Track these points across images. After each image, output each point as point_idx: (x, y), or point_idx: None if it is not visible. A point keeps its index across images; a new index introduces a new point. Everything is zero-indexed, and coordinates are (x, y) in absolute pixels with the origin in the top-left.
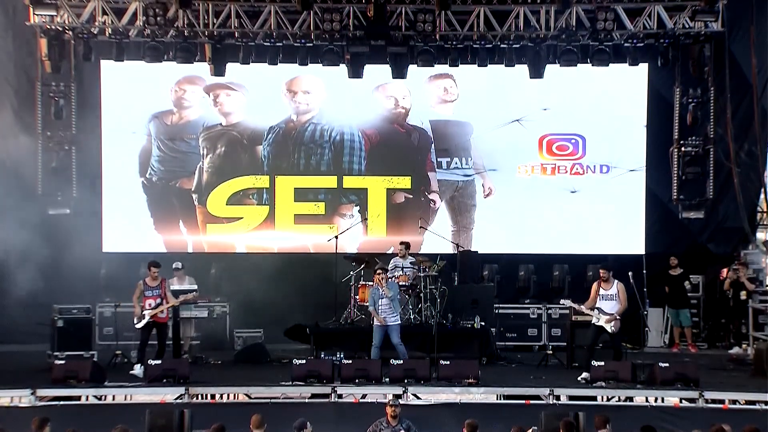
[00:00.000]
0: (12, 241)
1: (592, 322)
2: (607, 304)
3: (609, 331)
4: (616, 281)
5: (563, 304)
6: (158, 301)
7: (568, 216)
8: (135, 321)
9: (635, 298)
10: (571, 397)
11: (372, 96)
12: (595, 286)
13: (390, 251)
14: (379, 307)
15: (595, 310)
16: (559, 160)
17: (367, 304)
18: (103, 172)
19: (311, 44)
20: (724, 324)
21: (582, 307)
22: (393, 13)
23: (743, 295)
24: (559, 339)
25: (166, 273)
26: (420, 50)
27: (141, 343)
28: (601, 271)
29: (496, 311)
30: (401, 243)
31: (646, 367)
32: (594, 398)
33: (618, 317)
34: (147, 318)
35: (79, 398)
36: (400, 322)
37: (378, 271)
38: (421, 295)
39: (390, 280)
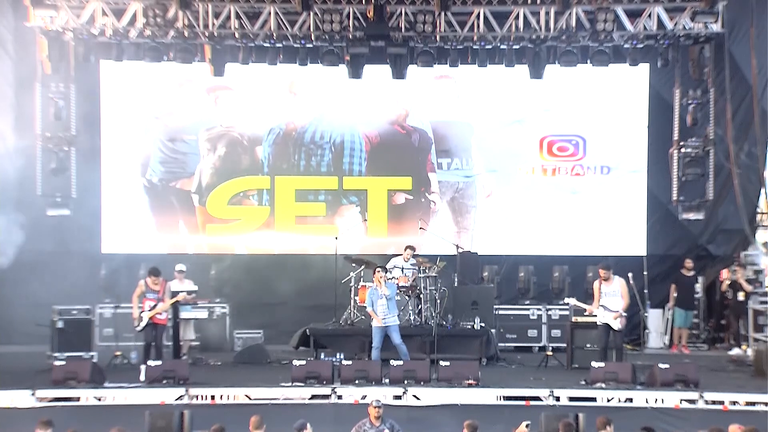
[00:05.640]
0: (12, 242)
1: (598, 320)
2: (610, 300)
3: (615, 328)
4: (616, 277)
5: (568, 304)
6: (156, 302)
7: (568, 217)
8: (135, 324)
9: (635, 300)
10: (571, 398)
11: (372, 97)
12: (596, 284)
13: (390, 252)
14: (377, 308)
15: (600, 307)
16: (559, 161)
17: (366, 305)
18: (103, 173)
19: (311, 45)
20: (724, 325)
21: (589, 306)
22: (393, 14)
23: (741, 296)
24: (559, 340)
25: (167, 274)
26: (420, 51)
27: (144, 346)
28: (600, 271)
29: (496, 312)
30: (407, 247)
31: (645, 368)
32: (594, 399)
33: (624, 314)
34: (146, 320)
35: (78, 399)
36: (398, 322)
37: (377, 271)
38: (421, 296)
39: (388, 280)
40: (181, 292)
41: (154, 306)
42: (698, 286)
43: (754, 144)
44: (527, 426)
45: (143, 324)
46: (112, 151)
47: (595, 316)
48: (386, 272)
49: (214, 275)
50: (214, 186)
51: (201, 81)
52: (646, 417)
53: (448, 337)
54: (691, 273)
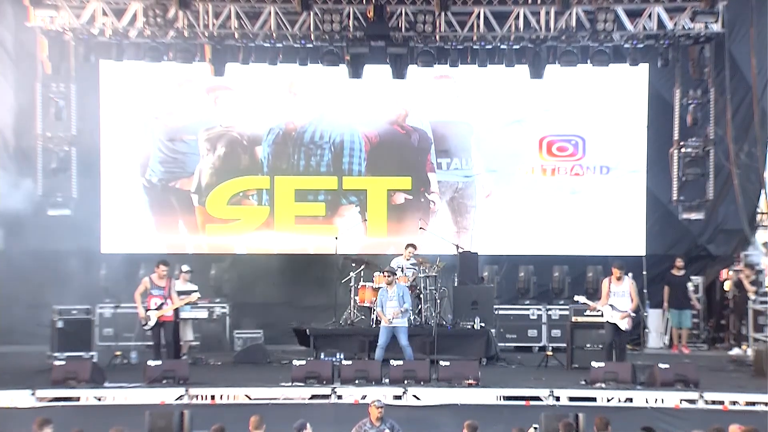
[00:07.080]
0: (12, 242)
1: (606, 320)
2: (619, 300)
3: (622, 328)
4: (626, 277)
5: (577, 301)
6: (163, 300)
7: (568, 217)
8: (143, 323)
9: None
10: (571, 398)
11: (372, 97)
12: (606, 283)
13: (390, 252)
14: (387, 309)
15: (607, 306)
16: (559, 161)
17: (367, 305)
18: (103, 173)
19: (311, 45)
20: (724, 325)
21: (596, 304)
22: (393, 14)
23: (751, 294)
24: (559, 340)
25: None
26: (420, 51)
27: (154, 345)
28: (614, 269)
29: (496, 312)
30: (408, 245)
31: (646, 368)
32: (594, 399)
33: (632, 314)
34: (154, 319)
35: (78, 399)
36: (407, 324)
37: (385, 274)
38: (421, 296)
39: (398, 282)
40: (194, 292)
41: (161, 304)
42: (690, 285)
43: (754, 144)
44: (536, 428)
45: (152, 323)
46: (112, 151)
47: (600, 314)
48: (395, 275)
49: (214, 275)
50: (214, 186)
51: (201, 81)
52: (646, 417)
53: (448, 337)
54: (682, 272)
